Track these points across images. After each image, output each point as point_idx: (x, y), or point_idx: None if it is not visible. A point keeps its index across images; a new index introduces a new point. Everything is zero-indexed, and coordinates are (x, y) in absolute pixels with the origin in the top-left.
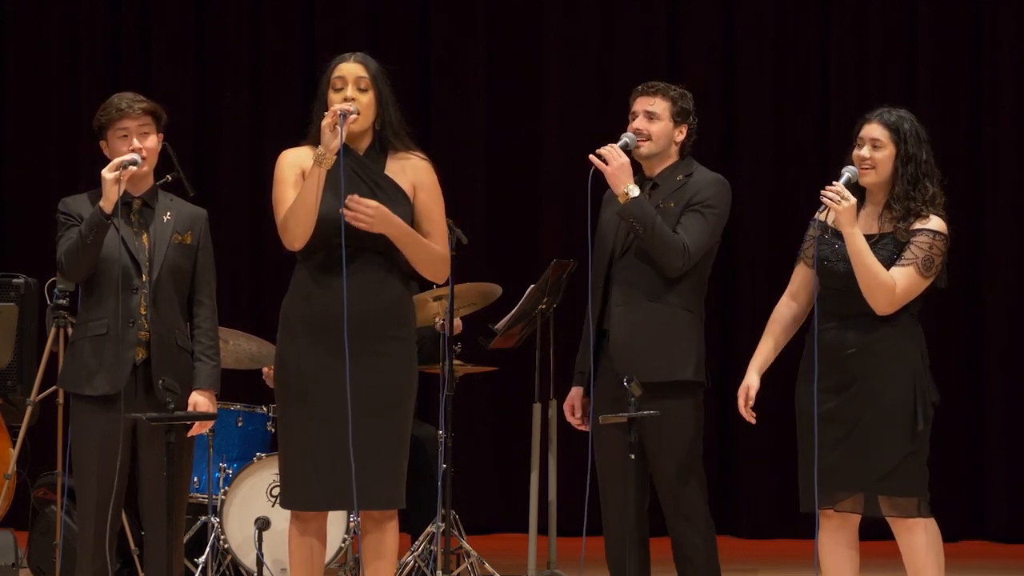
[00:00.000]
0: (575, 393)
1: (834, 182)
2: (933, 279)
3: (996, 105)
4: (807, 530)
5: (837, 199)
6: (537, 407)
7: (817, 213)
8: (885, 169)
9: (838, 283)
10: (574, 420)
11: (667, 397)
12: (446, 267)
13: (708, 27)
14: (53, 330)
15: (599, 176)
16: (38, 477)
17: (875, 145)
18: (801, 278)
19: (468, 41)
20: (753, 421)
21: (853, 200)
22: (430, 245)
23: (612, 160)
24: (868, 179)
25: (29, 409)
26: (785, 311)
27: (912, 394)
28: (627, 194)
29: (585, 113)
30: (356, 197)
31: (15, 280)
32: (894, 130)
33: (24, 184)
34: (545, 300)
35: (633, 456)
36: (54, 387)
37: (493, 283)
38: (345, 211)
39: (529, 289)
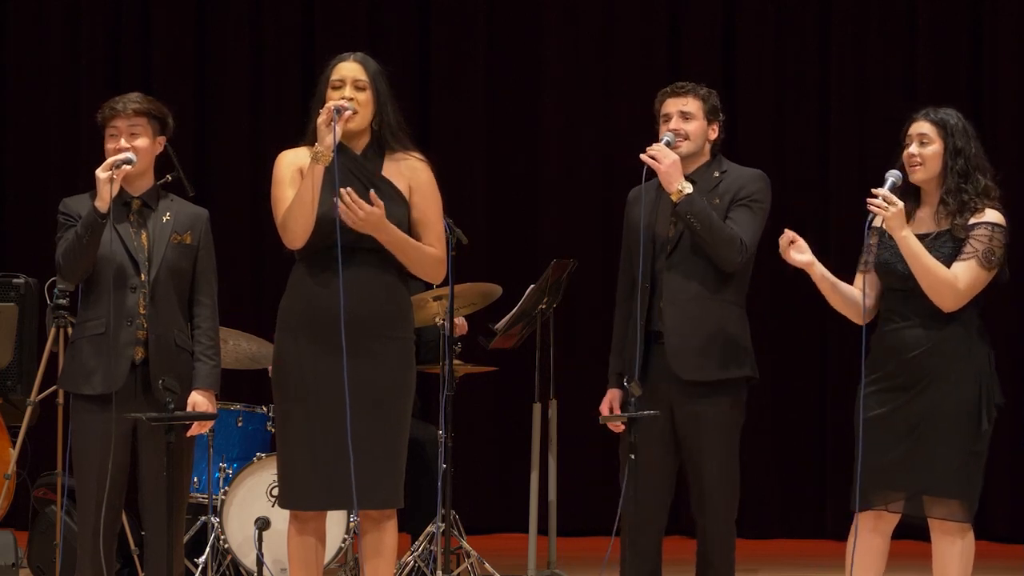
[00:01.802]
0: (613, 396)
1: (876, 189)
2: (996, 271)
3: (996, 105)
4: (807, 530)
5: (884, 205)
6: (537, 407)
7: (871, 220)
8: (934, 165)
9: (901, 284)
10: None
11: (718, 394)
12: (441, 269)
13: (708, 28)
14: (53, 330)
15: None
16: (38, 477)
17: (923, 141)
18: (861, 285)
19: (468, 42)
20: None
21: (900, 204)
22: (422, 249)
23: (663, 159)
24: (918, 175)
25: (29, 409)
26: (859, 295)
27: (978, 393)
28: (681, 191)
29: (585, 113)
30: (353, 194)
31: (15, 280)
32: (940, 125)
33: (24, 184)
34: (545, 300)
35: (633, 456)
36: (54, 387)
37: (493, 283)
38: (340, 203)
39: (529, 289)
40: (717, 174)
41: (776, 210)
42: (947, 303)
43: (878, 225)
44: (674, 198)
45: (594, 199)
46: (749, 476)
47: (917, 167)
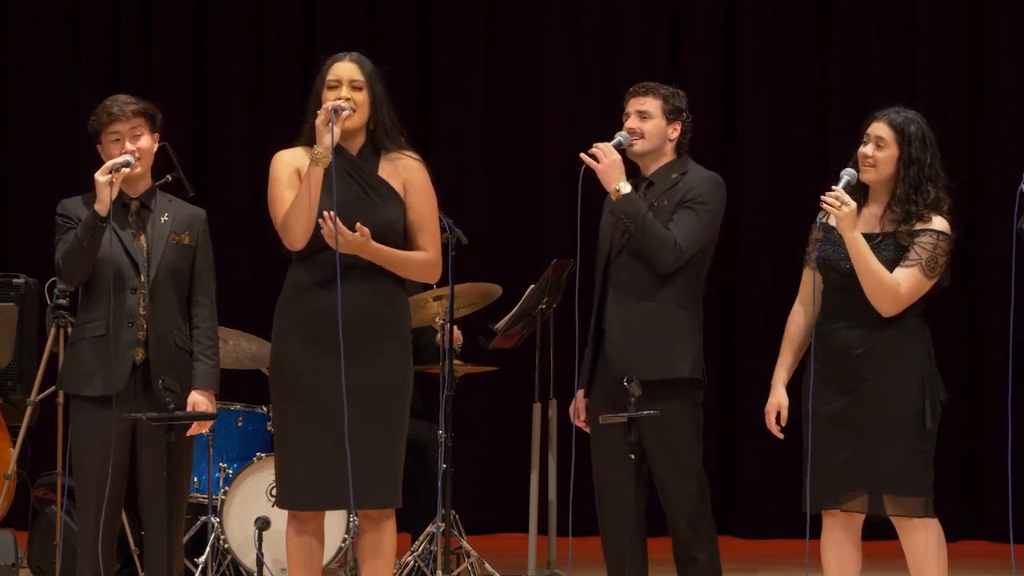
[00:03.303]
0: (578, 396)
1: (833, 187)
2: (937, 279)
3: (996, 105)
4: (807, 530)
5: (837, 204)
6: (537, 407)
7: (820, 216)
8: (886, 169)
9: (843, 281)
10: (579, 423)
11: (663, 397)
12: (436, 271)
13: (708, 28)
14: (53, 330)
15: (592, 176)
16: (38, 477)
17: (879, 144)
18: (808, 283)
19: (468, 42)
20: (781, 436)
21: (853, 204)
22: (412, 259)
23: (603, 157)
24: (868, 176)
25: (29, 409)
26: (798, 320)
27: (920, 392)
28: (618, 191)
29: (585, 114)
30: (338, 221)
31: (15, 280)
32: (899, 131)
33: (24, 184)
34: (545, 300)
35: (633, 456)
36: (54, 387)
37: (493, 283)
38: (323, 223)
39: (529, 289)
40: (675, 175)
41: (776, 210)
42: (886, 308)
43: (826, 221)
44: (612, 197)
45: (594, 199)
46: (749, 476)
47: (869, 168)
